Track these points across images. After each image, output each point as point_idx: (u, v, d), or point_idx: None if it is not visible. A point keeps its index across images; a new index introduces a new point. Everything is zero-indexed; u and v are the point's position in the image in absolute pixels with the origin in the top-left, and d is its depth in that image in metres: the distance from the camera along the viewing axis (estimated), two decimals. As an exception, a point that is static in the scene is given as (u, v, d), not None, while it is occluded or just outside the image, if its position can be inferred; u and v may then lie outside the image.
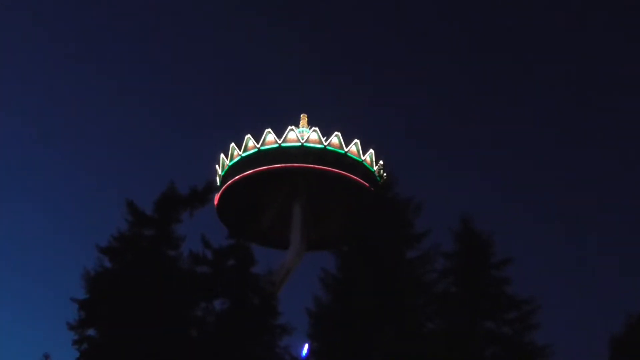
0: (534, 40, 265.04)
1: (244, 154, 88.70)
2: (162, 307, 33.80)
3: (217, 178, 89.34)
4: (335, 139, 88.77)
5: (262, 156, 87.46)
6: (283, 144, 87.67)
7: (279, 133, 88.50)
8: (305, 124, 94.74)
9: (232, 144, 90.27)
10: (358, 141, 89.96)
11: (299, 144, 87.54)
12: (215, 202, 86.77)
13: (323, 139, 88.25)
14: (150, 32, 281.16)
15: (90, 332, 35.01)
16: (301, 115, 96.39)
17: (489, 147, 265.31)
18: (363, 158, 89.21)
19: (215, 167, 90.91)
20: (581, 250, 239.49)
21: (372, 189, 78.64)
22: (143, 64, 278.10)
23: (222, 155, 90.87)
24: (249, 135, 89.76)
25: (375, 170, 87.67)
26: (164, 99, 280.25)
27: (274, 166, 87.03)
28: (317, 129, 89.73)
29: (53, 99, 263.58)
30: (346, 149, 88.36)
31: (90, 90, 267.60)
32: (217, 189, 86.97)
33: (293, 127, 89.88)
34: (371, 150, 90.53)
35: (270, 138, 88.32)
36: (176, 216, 36.78)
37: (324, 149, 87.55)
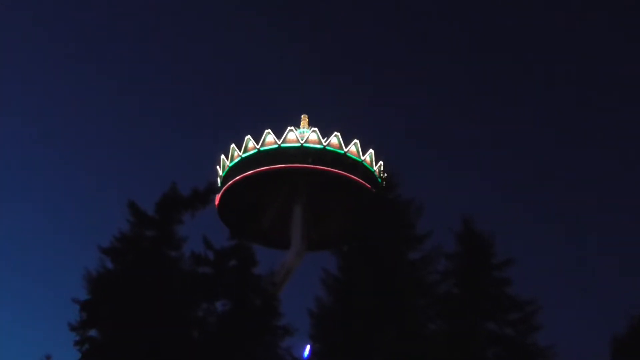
0: (534, 40, 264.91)
1: (244, 155, 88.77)
2: (164, 307, 33.81)
3: (218, 179, 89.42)
4: (335, 139, 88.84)
5: (262, 157, 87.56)
6: (283, 145, 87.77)
7: (280, 133, 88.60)
8: (306, 125, 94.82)
9: (232, 145, 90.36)
10: (358, 141, 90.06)
11: (299, 144, 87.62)
12: (216, 202, 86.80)
13: (322, 139, 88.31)
14: (151, 32, 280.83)
15: (92, 333, 34.98)
16: (302, 116, 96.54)
17: (489, 147, 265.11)
18: (363, 158, 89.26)
19: (215, 168, 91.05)
20: (581, 251, 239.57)
21: (373, 189, 78.97)
22: (143, 64, 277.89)
23: (222, 156, 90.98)
24: (249, 136, 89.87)
25: (375, 171, 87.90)
26: (164, 99, 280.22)
27: (273, 167, 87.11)
28: (316, 129, 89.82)
29: (53, 99, 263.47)
30: (345, 149, 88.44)
31: (91, 90, 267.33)
32: (218, 189, 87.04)
33: (292, 127, 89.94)
34: (371, 151, 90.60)
35: (270, 139, 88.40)
36: (178, 217, 36.79)
37: (324, 149, 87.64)
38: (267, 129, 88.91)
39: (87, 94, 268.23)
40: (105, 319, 34.69)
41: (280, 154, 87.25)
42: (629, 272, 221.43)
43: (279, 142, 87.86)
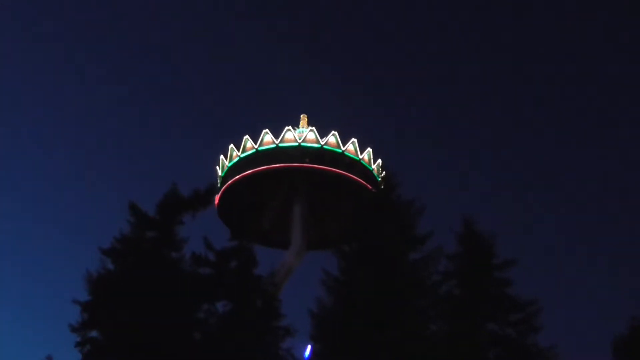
0: (534, 40, 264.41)
1: (242, 155, 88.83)
2: (165, 308, 33.83)
3: (218, 179, 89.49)
4: (333, 138, 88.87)
5: (260, 156, 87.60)
6: (280, 144, 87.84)
7: (279, 133, 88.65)
8: (305, 124, 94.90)
9: (231, 145, 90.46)
10: (355, 140, 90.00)
11: (296, 143, 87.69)
12: (216, 202, 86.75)
13: (320, 139, 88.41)
14: (150, 32, 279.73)
15: (93, 334, 34.99)
16: (301, 116, 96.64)
17: (489, 147, 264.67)
18: (361, 157, 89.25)
19: (215, 168, 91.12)
20: (581, 251, 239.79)
21: (371, 187, 79.04)
22: (143, 64, 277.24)
23: (221, 157, 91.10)
24: (247, 137, 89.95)
25: (373, 169, 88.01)
26: (165, 99, 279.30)
27: (271, 166, 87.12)
28: (314, 128, 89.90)
29: (53, 99, 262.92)
30: (343, 148, 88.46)
31: (91, 90, 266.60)
32: (217, 189, 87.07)
33: (290, 127, 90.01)
34: (369, 149, 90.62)
35: (267, 138, 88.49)
36: (178, 218, 36.81)
37: (321, 149, 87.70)
38: (265, 129, 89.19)
39: (87, 94, 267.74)
40: (106, 320, 34.68)
41: (278, 153, 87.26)
42: (630, 273, 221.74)
43: (277, 142, 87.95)
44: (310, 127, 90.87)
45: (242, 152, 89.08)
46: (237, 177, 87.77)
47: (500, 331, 33.63)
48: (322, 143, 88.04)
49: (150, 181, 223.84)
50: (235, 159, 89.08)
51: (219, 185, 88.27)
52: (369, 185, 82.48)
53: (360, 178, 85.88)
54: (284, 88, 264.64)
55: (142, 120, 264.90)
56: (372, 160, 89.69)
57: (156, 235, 36.46)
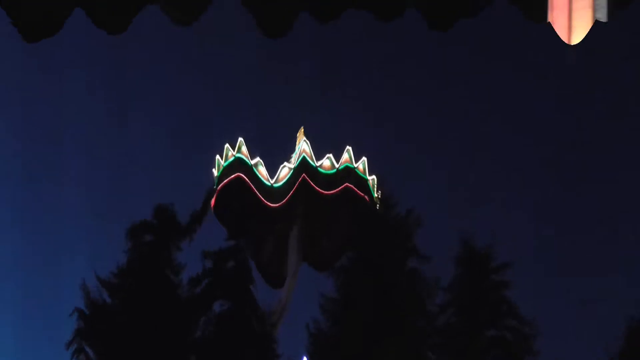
0: (533, 41, 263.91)
1: (237, 154, 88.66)
2: (162, 309, 34.01)
3: (214, 179, 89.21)
4: (327, 161, 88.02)
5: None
6: (275, 185, 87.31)
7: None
8: (302, 134, 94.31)
9: (227, 145, 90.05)
10: (350, 148, 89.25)
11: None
12: (212, 203, 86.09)
13: (315, 160, 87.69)
14: (150, 33, 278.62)
15: (89, 338, 34.94)
16: (300, 130, 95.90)
17: (488, 147, 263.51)
18: (355, 165, 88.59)
19: (212, 171, 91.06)
20: (581, 252, 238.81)
21: (366, 197, 78.59)
22: (141, 67, 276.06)
23: (217, 157, 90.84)
24: (241, 139, 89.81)
25: (369, 180, 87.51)
26: (163, 102, 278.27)
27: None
28: (307, 142, 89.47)
29: (54, 99, 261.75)
30: (337, 166, 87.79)
31: (90, 93, 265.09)
32: (214, 191, 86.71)
33: (286, 163, 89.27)
34: (364, 158, 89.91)
35: (263, 171, 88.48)
36: (177, 244, 36.79)
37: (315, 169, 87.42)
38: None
39: (87, 94, 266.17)
40: (101, 325, 34.67)
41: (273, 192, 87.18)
42: (629, 273, 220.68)
43: (272, 182, 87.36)
44: (304, 138, 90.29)
45: (237, 151, 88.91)
46: (232, 176, 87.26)
47: (498, 334, 33.56)
48: (317, 165, 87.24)
49: (150, 182, 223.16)
50: (231, 159, 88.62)
51: (215, 186, 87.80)
52: (365, 197, 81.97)
53: (355, 187, 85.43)
54: (284, 88, 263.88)
55: (142, 125, 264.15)
56: (366, 170, 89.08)
57: (153, 257, 36.20)
